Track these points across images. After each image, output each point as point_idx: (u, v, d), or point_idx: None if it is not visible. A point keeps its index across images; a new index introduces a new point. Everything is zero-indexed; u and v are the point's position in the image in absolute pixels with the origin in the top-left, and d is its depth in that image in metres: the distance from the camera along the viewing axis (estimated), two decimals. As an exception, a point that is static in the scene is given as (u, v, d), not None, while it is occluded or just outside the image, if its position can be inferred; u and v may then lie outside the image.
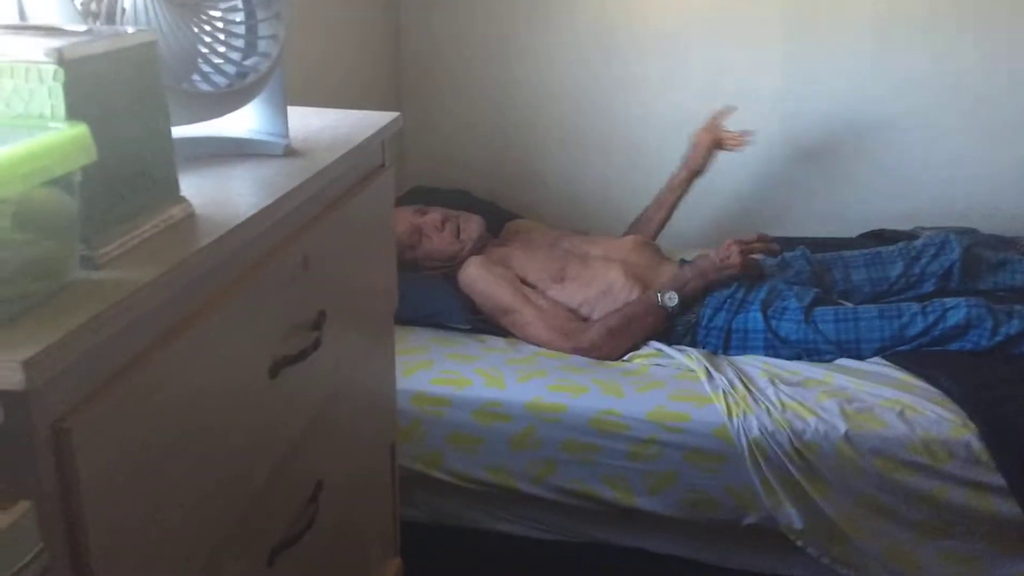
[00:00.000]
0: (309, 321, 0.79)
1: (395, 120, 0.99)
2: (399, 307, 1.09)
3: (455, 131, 2.08)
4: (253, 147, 0.83)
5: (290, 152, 0.84)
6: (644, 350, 1.55)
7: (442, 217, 1.71)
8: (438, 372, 1.45)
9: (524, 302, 1.60)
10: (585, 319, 1.61)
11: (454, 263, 1.69)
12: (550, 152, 2.06)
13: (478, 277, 1.63)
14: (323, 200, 0.84)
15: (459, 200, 1.89)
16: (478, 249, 1.71)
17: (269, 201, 0.71)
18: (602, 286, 1.62)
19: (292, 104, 0.93)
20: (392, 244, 1.04)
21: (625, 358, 1.54)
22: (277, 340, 0.73)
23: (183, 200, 0.66)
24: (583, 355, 1.53)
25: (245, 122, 0.86)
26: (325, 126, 0.95)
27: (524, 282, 1.65)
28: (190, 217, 0.66)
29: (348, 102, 1.76)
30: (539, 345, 1.56)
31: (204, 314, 0.63)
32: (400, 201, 1.79)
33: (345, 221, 0.88)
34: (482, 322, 1.62)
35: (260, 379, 0.71)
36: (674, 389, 1.42)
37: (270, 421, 0.73)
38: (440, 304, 1.60)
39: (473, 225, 1.72)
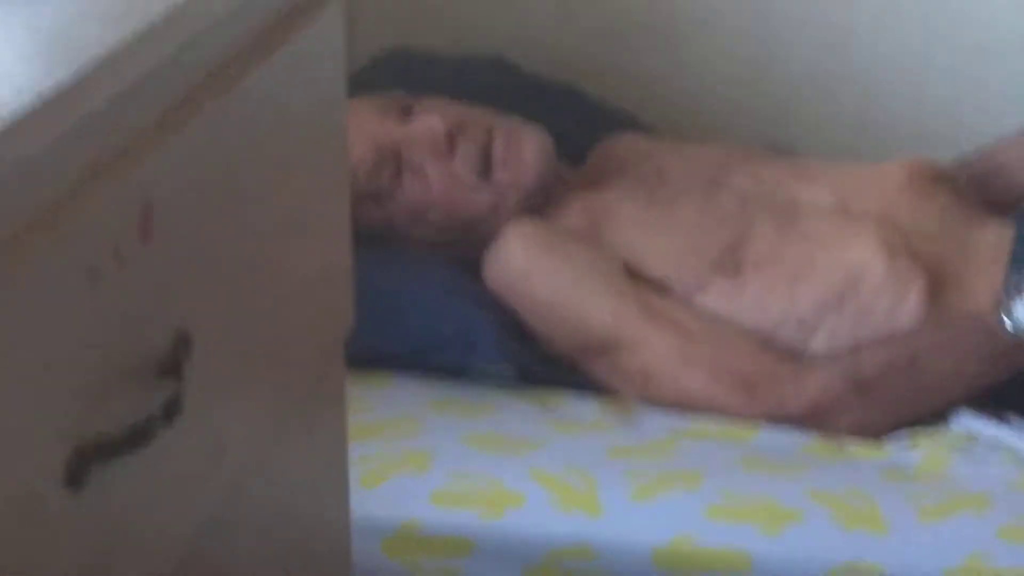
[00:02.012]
0: (153, 359, 0.79)
1: None
2: (359, 328, 1.10)
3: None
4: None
5: (107, -31, 0.86)
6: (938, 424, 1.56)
7: (451, 124, 1.71)
8: (445, 478, 1.48)
9: (643, 320, 1.60)
10: (790, 356, 1.61)
11: (475, 233, 1.70)
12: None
13: (528, 267, 1.64)
14: (184, 78, 0.85)
15: (486, 82, 1.88)
16: (534, 202, 1.70)
17: (65, 81, 0.72)
18: (834, 281, 1.62)
19: None
20: (344, 183, 1.06)
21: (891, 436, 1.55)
22: (83, 402, 0.74)
23: None
24: (788, 424, 1.55)
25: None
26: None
27: (638, 276, 1.66)
28: None
29: None
30: (685, 406, 1.58)
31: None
32: (358, 84, 1.79)
33: (235, 128, 0.89)
34: (545, 365, 1.64)
35: (47, 491, 0.71)
36: (1010, 516, 1.42)
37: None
38: (449, 323, 1.63)
39: (528, 148, 1.71)
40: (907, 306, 1.60)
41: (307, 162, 1.00)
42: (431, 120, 1.70)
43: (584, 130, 1.88)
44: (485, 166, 1.69)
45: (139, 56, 0.78)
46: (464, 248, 1.71)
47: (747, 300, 1.62)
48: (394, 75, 1.92)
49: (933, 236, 1.65)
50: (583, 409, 1.60)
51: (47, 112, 0.70)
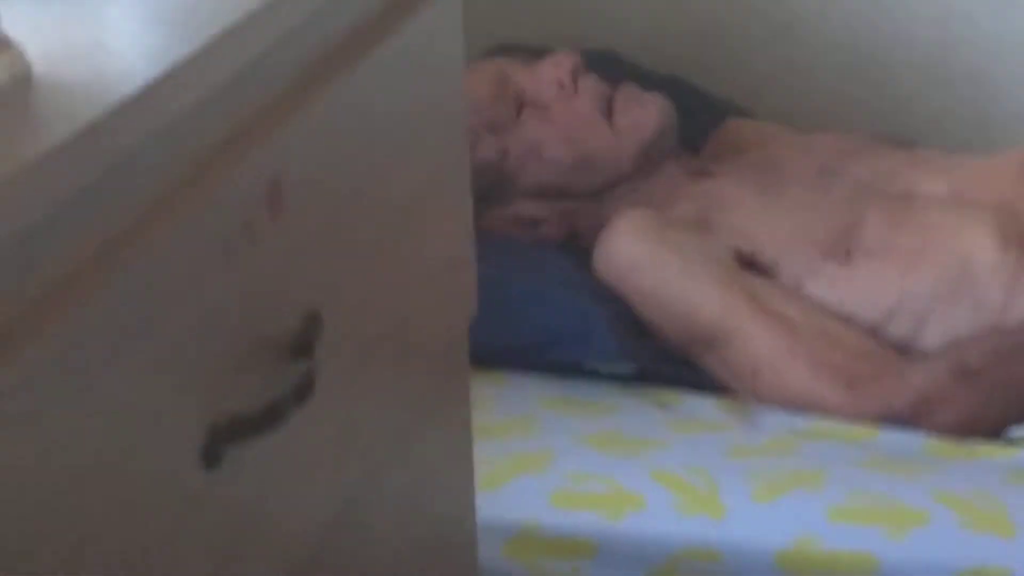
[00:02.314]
0: (285, 337, 0.79)
1: None
2: (475, 323, 1.11)
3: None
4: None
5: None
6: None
7: (578, 63, 1.74)
8: (565, 479, 1.47)
9: (750, 313, 1.59)
10: (899, 349, 1.58)
11: (591, 191, 1.70)
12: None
13: (638, 258, 1.64)
14: (309, 54, 0.86)
15: (596, 73, 1.88)
16: (647, 162, 1.70)
17: (188, 52, 0.72)
18: (947, 270, 1.61)
19: None
20: (465, 162, 1.06)
21: (1013, 435, 1.53)
22: (219, 380, 0.74)
23: (8, 45, 0.68)
24: (894, 423, 1.53)
25: None
26: None
27: (752, 265, 1.64)
28: (22, 82, 0.67)
29: None
30: (789, 402, 1.57)
31: (51, 312, 0.63)
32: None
33: (358, 107, 0.89)
34: (661, 362, 1.63)
35: (185, 470, 0.71)
36: None
37: None
38: (566, 318, 1.62)
39: (650, 103, 1.73)
40: (1022, 298, 1.57)
41: (428, 146, 1.01)
42: (560, 57, 1.74)
43: (695, 122, 1.87)
44: (607, 109, 1.72)
45: (266, 28, 0.79)
46: (573, 202, 1.71)
47: (858, 288, 1.61)
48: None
49: None
50: (702, 408, 1.58)
51: (177, 82, 0.71)
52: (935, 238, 1.62)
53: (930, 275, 1.60)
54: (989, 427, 1.53)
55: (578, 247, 1.71)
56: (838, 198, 1.67)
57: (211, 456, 0.72)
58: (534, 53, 1.82)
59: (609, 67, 1.87)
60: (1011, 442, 1.53)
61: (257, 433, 0.74)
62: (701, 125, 1.89)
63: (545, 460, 1.48)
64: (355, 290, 0.89)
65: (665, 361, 1.62)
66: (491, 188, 1.70)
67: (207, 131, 0.75)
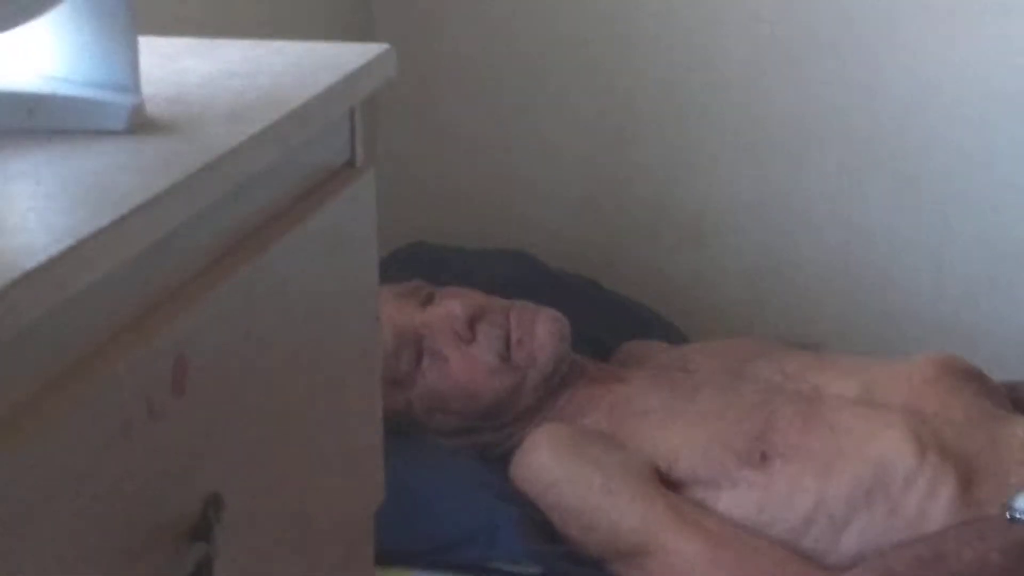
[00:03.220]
0: (184, 520, 0.78)
1: (380, 59, 1.01)
2: (380, 522, 1.10)
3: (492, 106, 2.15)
4: (61, 113, 0.85)
5: (143, 125, 0.86)
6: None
7: (471, 310, 1.72)
8: None
9: (671, 525, 1.58)
10: (819, 555, 1.59)
11: (501, 426, 1.70)
12: (733, 165, 2.12)
13: (557, 474, 1.63)
14: (218, 237, 0.85)
15: (507, 275, 1.90)
16: (553, 382, 1.71)
17: (94, 229, 0.71)
18: (864, 476, 1.61)
19: (150, 31, 0.95)
20: (376, 353, 1.07)
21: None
22: (112, 561, 0.72)
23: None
24: None
25: (44, 58, 0.88)
26: (223, 72, 0.96)
27: (667, 480, 1.64)
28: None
29: (273, 29, 1.75)
30: None
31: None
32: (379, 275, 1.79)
33: (269, 291, 0.89)
34: (569, 563, 1.61)
35: None
36: None
37: None
38: (473, 518, 1.61)
39: (541, 326, 1.72)
40: (939, 503, 1.56)
41: (338, 333, 1.01)
42: (451, 306, 1.70)
43: (605, 325, 1.89)
44: (505, 349, 1.70)
45: (176, 209, 0.78)
46: (485, 436, 1.69)
47: (776, 493, 1.59)
48: (415, 268, 1.93)
49: (961, 430, 1.63)
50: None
51: (83, 259, 0.70)
52: (849, 441, 1.61)
53: (846, 481, 1.59)
54: None
55: (493, 457, 1.69)
56: (749, 400, 1.67)
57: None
58: (428, 290, 1.78)
59: (522, 270, 1.88)
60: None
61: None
62: (613, 330, 1.90)
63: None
64: (258, 473, 0.87)
65: (572, 562, 1.59)
66: (404, 429, 1.67)
67: (111, 308, 0.74)
